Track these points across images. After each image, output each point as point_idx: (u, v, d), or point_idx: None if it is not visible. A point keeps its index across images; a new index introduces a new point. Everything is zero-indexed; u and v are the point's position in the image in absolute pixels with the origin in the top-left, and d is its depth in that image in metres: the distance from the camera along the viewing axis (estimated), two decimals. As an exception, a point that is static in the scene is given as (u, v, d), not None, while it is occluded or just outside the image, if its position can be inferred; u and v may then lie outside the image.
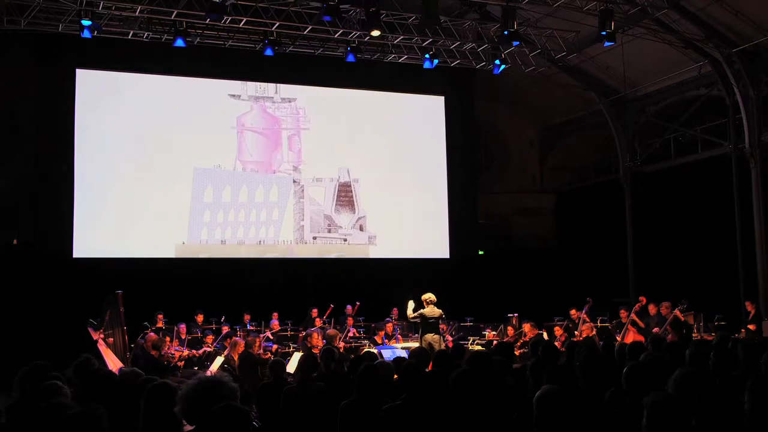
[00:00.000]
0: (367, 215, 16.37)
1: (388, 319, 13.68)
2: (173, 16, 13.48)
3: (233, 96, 15.67)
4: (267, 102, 16.00)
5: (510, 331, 12.99)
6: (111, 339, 10.76)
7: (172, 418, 3.78)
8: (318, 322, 13.40)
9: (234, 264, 15.58)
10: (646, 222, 17.47)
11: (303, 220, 16.09)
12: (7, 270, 14.03)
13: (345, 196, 16.45)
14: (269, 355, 11.14)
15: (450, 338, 12.96)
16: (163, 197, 15.15)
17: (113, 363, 10.09)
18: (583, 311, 12.82)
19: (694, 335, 12.13)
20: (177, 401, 3.75)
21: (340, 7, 12.45)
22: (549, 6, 13.76)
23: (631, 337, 11.87)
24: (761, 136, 14.60)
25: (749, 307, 12.64)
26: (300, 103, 16.19)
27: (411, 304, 11.77)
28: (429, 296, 11.61)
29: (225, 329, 12.80)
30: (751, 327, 12.16)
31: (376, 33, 13.35)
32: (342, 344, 11.88)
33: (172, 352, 11.23)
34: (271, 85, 15.99)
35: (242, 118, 15.78)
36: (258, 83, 15.85)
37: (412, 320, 12.02)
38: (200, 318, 13.40)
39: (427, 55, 15.23)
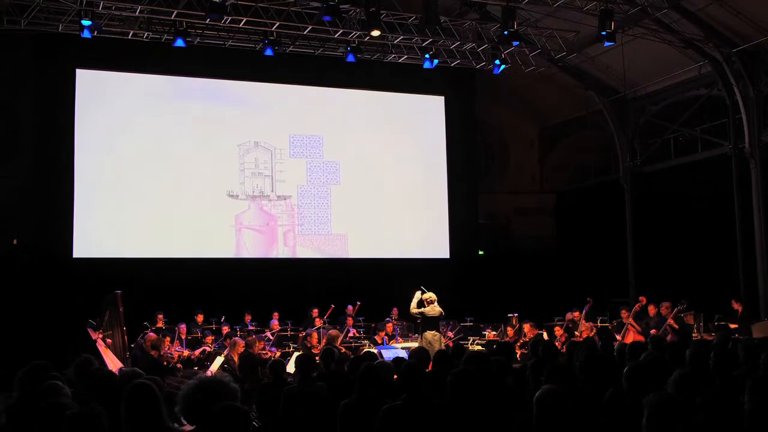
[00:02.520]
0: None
1: (388, 319, 13.68)
2: (173, 16, 13.48)
3: (231, 196, 15.77)
4: (263, 200, 16.06)
5: (510, 331, 12.95)
6: (110, 339, 10.76)
7: (154, 418, 3.78)
8: (318, 322, 13.40)
9: (234, 264, 15.59)
10: (646, 222, 17.47)
11: None
12: (7, 270, 14.03)
13: None
14: (269, 353, 11.13)
15: (451, 333, 12.95)
16: (163, 197, 15.17)
17: (113, 363, 10.08)
18: (583, 311, 12.81)
19: (694, 335, 12.13)
20: (177, 401, 3.75)
21: (340, 7, 12.44)
22: (549, 6, 13.76)
23: (631, 337, 11.85)
24: (761, 136, 14.61)
25: (735, 305, 12.60)
26: (294, 200, 16.23)
27: (417, 296, 11.59)
28: (429, 296, 11.60)
29: (225, 329, 12.80)
30: (732, 326, 12.14)
31: (376, 33, 13.35)
32: (343, 348, 11.85)
33: (172, 353, 11.22)
34: (268, 184, 16.05)
35: (240, 217, 15.86)
36: (255, 183, 15.94)
37: (413, 314, 11.92)
38: (200, 318, 13.41)
39: (427, 55, 15.23)
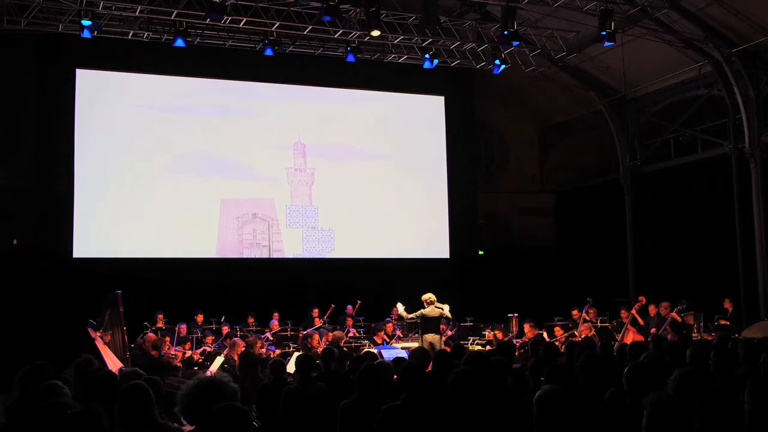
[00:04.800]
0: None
1: (388, 319, 13.67)
2: (173, 16, 13.48)
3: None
4: None
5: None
6: (110, 338, 10.75)
7: (148, 418, 3.79)
8: (318, 322, 13.41)
9: (234, 264, 15.59)
10: (646, 222, 17.45)
11: None
12: (7, 270, 14.03)
13: None
14: (269, 352, 11.13)
15: (449, 332, 12.91)
16: (163, 197, 15.17)
17: (113, 363, 10.08)
18: (583, 311, 12.80)
19: (694, 335, 12.12)
20: (177, 401, 3.75)
21: (340, 7, 12.45)
22: (549, 6, 13.76)
23: (631, 337, 11.85)
24: (761, 136, 14.59)
25: (726, 304, 12.59)
26: None
27: (400, 307, 11.78)
28: (429, 296, 11.60)
29: (225, 329, 12.80)
30: (723, 322, 12.14)
31: (376, 33, 13.36)
32: (345, 348, 11.85)
33: (173, 353, 11.21)
34: (265, 249, 16.07)
35: None
36: (253, 253, 16.00)
37: (408, 321, 11.98)
38: (200, 318, 13.42)
39: (427, 55, 15.23)
